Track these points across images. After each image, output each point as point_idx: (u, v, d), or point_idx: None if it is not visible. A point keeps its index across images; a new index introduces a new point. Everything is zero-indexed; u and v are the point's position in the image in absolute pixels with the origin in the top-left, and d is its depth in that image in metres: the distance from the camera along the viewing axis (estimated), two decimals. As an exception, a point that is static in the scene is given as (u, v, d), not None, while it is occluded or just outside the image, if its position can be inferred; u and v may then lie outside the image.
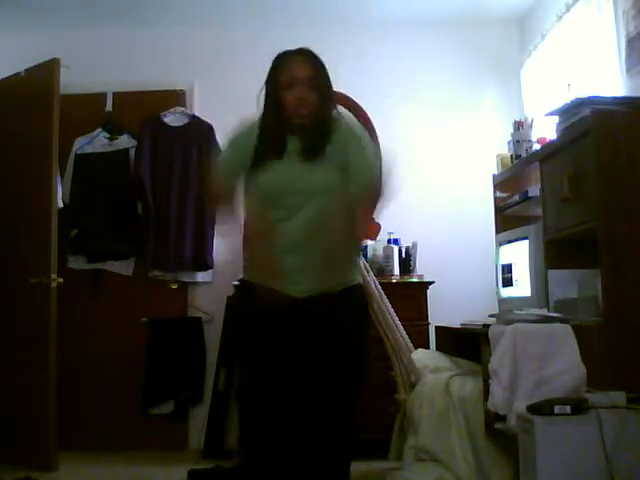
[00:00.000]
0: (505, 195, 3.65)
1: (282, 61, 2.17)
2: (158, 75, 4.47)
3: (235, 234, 4.22)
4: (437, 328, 3.73)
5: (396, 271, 4.05)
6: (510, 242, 3.36)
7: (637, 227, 2.49)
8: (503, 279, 3.43)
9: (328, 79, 2.17)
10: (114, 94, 4.47)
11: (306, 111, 2.11)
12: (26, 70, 4.01)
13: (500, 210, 3.66)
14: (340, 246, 2.07)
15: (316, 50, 2.17)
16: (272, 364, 2.11)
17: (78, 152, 4.38)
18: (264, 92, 2.19)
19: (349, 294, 2.15)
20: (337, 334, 2.11)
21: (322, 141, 2.13)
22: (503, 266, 3.44)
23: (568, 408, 2.14)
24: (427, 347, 3.74)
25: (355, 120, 2.53)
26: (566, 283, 2.82)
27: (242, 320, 2.22)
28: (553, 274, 2.87)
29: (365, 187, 2.09)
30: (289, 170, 2.12)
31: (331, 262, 2.08)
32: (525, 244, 3.15)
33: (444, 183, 4.43)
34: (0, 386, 3.86)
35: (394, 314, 3.27)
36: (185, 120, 4.39)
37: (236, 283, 3.89)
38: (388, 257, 4.08)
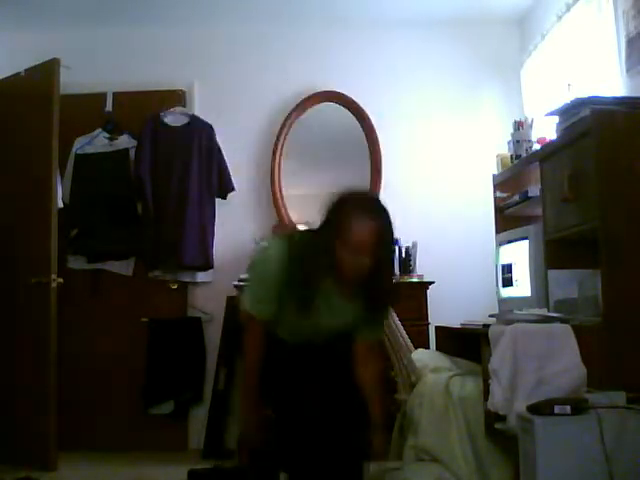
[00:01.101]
0: (505, 195, 3.64)
1: (352, 219, 2.03)
2: (158, 75, 4.47)
3: (235, 234, 4.27)
4: (437, 328, 3.73)
5: (396, 271, 4.05)
6: (510, 242, 3.36)
7: (637, 227, 2.48)
8: (503, 279, 3.43)
9: (390, 242, 2.17)
10: (114, 94, 4.47)
11: (357, 277, 2.09)
12: (26, 70, 4.01)
13: (500, 210, 3.66)
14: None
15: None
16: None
17: (78, 152, 4.38)
18: (320, 228, 2.12)
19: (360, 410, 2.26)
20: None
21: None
22: (503, 266, 3.43)
23: (568, 408, 2.13)
24: (427, 347, 3.75)
25: None
26: (566, 283, 2.81)
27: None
28: (553, 274, 2.86)
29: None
30: (327, 312, 2.16)
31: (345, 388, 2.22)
32: (525, 244, 3.15)
33: (444, 183, 4.43)
34: (0, 386, 3.86)
35: (394, 314, 3.27)
36: (185, 120, 4.38)
37: (237, 283, 3.90)
38: (388, 257, 4.07)
